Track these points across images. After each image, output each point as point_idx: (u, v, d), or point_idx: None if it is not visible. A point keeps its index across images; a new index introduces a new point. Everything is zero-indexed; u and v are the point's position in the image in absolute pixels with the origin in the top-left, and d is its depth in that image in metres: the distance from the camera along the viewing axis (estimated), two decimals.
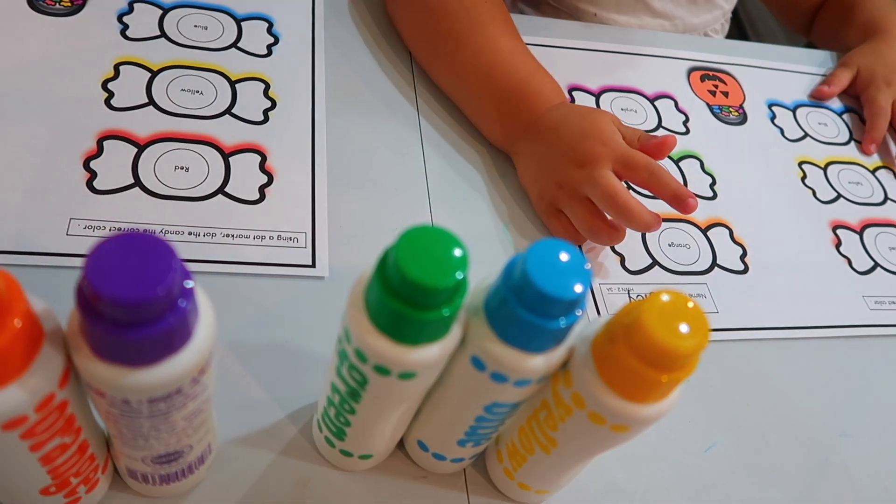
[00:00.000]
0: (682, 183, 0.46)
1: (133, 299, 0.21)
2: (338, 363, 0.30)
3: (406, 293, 0.25)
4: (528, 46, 0.61)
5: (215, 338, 0.25)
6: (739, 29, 1.80)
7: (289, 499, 0.36)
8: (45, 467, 0.26)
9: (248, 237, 0.44)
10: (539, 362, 0.28)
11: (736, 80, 0.68)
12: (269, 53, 0.54)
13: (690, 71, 0.67)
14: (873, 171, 0.65)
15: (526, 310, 0.26)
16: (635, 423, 0.28)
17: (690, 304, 0.26)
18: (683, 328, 0.26)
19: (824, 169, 0.63)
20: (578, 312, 0.27)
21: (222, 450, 0.36)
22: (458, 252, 0.25)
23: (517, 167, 0.53)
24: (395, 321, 0.26)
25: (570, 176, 0.48)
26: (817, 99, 0.69)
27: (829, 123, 0.68)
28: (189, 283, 0.23)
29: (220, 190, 0.45)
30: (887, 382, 0.50)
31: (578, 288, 0.25)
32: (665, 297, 0.26)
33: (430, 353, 0.27)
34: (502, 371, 0.28)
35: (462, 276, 0.25)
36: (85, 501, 0.31)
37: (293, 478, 0.37)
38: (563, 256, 0.26)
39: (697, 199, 0.47)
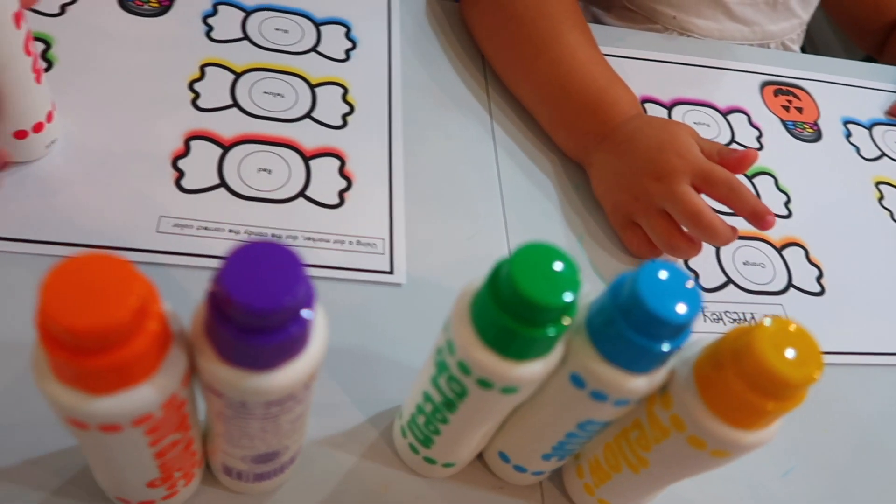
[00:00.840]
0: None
1: (264, 307, 0.21)
2: (434, 373, 0.30)
3: (518, 309, 0.25)
4: None
5: (327, 346, 0.26)
6: (811, 41, 1.76)
7: (369, 501, 0.36)
8: (157, 461, 0.27)
9: (328, 241, 0.44)
10: (641, 383, 0.28)
11: (810, 96, 0.66)
12: (347, 58, 0.55)
13: (764, 85, 0.66)
14: None
15: (634, 331, 0.26)
16: (737, 449, 0.28)
17: (803, 333, 0.26)
18: (796, 356, 0.25)
19: None
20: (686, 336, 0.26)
21: (306, 451, 0.37)
22: (571, 271, 0.25)
23: (591, 178, 0.52)
24: (505, 336, 0.26)
25: (647, 189, 0.48)
26: (891, 116, 0.67)
27: None
28: (312, 293, 0.23)
29: (301, 193, 0.46)
30: None
31: (689, 311, 0.25)
32: (777, 324, 0.26)
33: (534, 370, 0.27)
34: (603, 390, 0.28)
35: (574, 297, 0.25)
36: (181, 494, 0.32)
37: (373, 481, 0.37)
38: (674, 279, 0.26)
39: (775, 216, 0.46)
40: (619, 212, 0.50)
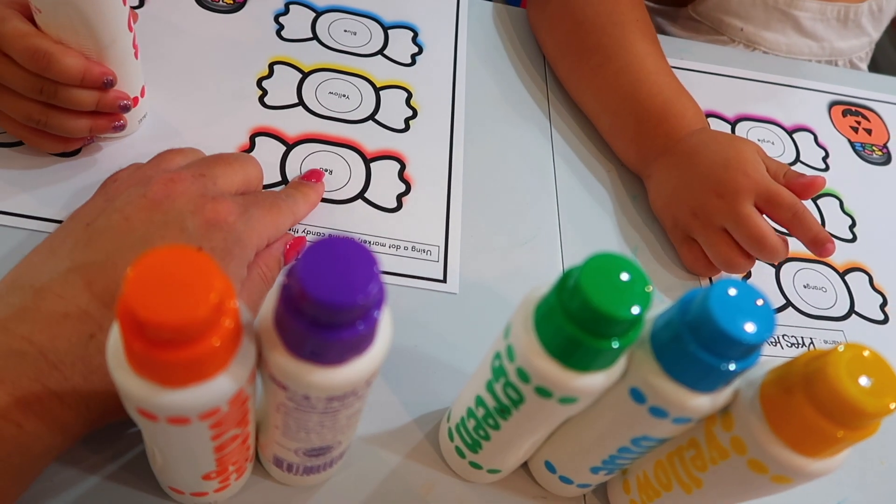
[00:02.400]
0: (822, 225, 0.44)
1: (339, 303, 0.21)
2: (491, 378, 0.30)
3: (585, 319, 0.25)
4: None
5: (391, 345, 0.26)
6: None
7: (411, 501, 0.37)
8: (216, 455, 0.27)
9: (384, 245, 0.45)
10: (704, 402, 0.27)
11: (880, 118, 0.64)
12: (413, 63, 0.55)
13: (832, 105, 0.64)
14: None
15: (702, 348, 0.25)
16: (800, 476, 0.27)
17: (880, 361, 0.25)
18: (872, 385, 0.24)
19: None
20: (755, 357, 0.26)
21: (353, 447, 0.37)
22: (642, 285, 0.25)
23: (649, 191, 0.52)
24: (569, 346, 0.26)
25: (708, 205, 0.47)
26: None
27: None
28: (383, 294, 0.23)
29: (361, 195, 0.47)
30: None
31: (762, 331, 0.25)
32: (853, 350, 0.25)
33: (596, 381, 0.27)
34: (664, 406, 0.28)
35: (642, 311, 0.25)
36: (232, 487, 0.32)
37: (416, 481, 0.37)
38: (747, 297, 0.25)
39: (836, 243, 0.45)
40: (678, 227, 0.49)
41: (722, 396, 0.27)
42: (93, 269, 0.30)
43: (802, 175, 0.46)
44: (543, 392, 0.27)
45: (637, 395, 0.28)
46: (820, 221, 0.55)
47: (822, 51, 0.70)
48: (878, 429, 0.26)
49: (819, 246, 0.45)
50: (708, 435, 0.30)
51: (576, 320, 0.25)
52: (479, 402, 0.32)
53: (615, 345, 0.25)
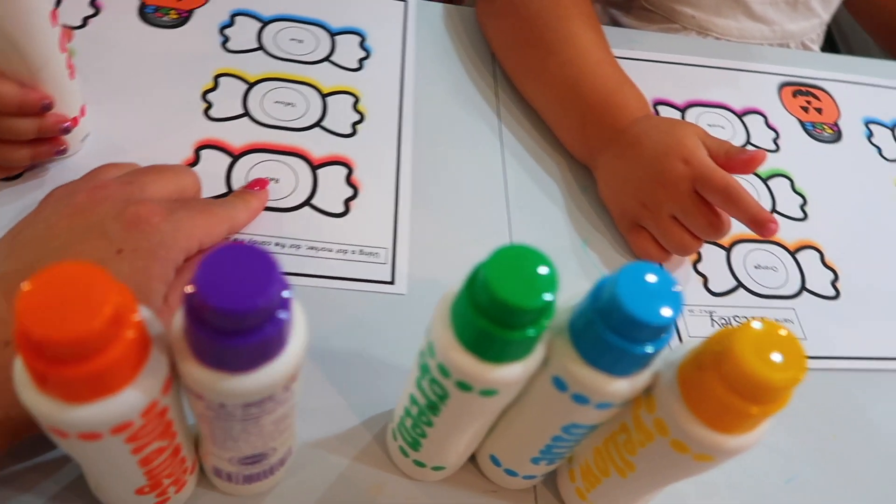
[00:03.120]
0: (761, 205, 0.44)
1: (238, 309, 0.22)
2: (419, 376, 0.30)
3: (494, 312, 0.25)
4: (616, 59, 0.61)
5: (307, 347, 0.26)
6: (830, 42, 1.72)
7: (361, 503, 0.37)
8: (142, 469, 0.27)
9: (331, 250, 0.45)
10: (623, 386, 0.28)
11: (830, 97, 0.65)
12: (360, 67, 0.56)
13: (782, 86, 0.65)
14: None
15: (614, 333, 0.26)
16: (720, 453, 0.28)
17: (786, 334, 0.25)
18: (778, 359, 0.25)
19: None
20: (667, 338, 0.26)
21: (300, 452, 0.37)
22: (548, 273, 0.25)
23: (598, 181, 0.52)
24: (481, 339, 0.26)
25: (654, 196, 0.47)
26: None
27: None
28: (288, 295, 0.24)
29: (307, 202, 0.47)
30: None
31: (669, 313, 0.25)
32: (759, 326, 0.25)
33: (513, 372, 0.27)
34: (585, 393, 0.28)
35: (551, 298, 0.25)
36: (174, 501, 0.33)
37: (366, 483, 0.37)
38: (654, 280, 0.26)
39: (779, 222, 0.45)
40: (627, 217, 0.50)
41: (641, 379, 0.28)
42: (13, 277, 0.30)
43: (743, 150, 0.46)
44: (464, 386, 0.28)
45: (559, 384, 0.28)
46: (772, 202, 0.56)
47: (773, 34, 0.71)
48: (787, 401, 0.26)
49: (760, 226, 0.45)
50: (635, 419, 0.30)
51: (485, 313, 0.25)
52: (413, 400, 0.32)
53: (527, 335, 0.25)
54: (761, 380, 0.25)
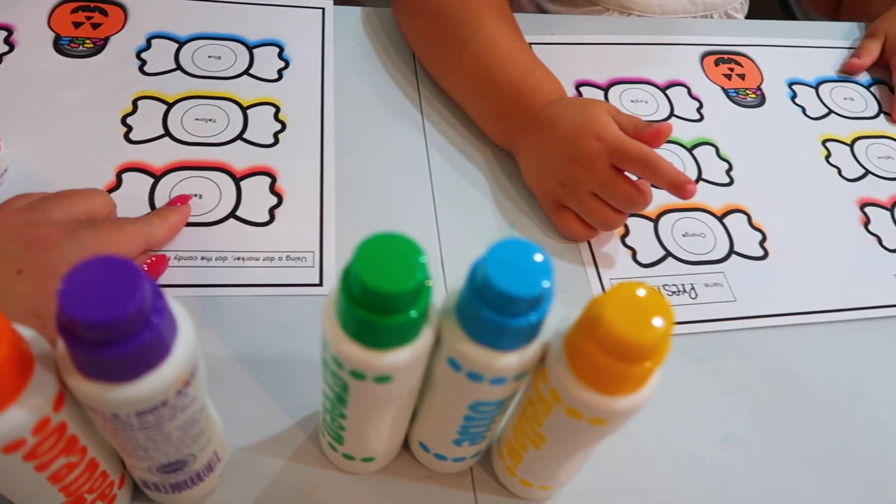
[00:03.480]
0: (679, 169, 0.46)
1: (104, 320, 0.22)
2: (323, 370, 0.31)
3: (368, 300, 0.26)
4: (536, 45, 0.62)
5: (196, 350, 0.27)
6: (785, 8, 1.74)
7: (299, 502, 0.38)
8: (54, 486, 0.28)
9: (258, 259, 0.46)
10: (511, 360, 0.28)
11: (753, 62, 0.66)
12: (280, 77, 0.56)
13: (704, 56, 0.66)
14: None
15: (490, 309, 0.27)
16: (611, 415, 0.28)
17: (646, 293, 0.26)
18: (645, 318, 0.26)
19: (850, 145, 0.61)
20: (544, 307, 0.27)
21: (235, 458, 0.38)
22: (414, 255, 0.26)
23: (520, 166, 0.53)
24: (362, 327, 0.27)
25: (572, 175, 0.48)
26: (847, 73, 0.67)
27: (856, 98, 0.65)
28: (161, 300, 0.24)
29: (232, 214, 0.48)
30: None
31: (538, 285, 0.26)
32: (625, 288, 0.26)
33: (402, 357, 0.28)
34: (476, 370, 0.29)
35: (421, 278, 0.26)
36: None
37: (303, 482, 0.38)
38: (524, 255, 0.27)
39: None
40: (549, 198, 0.51)
41: (529, 352, 0.29)
42: None
43: (649, 124, 0.48)
44: (357, 375, 0.28)
45: (454, 364, 0.29)
46: (697, 170, 0.57)
47: (695, 7, 0.72)
48: (665, 355, 0.27)
49: (679, 188, 0.46)
50: (536, 391, 0.31)
51: (360, 302, 0.26)
52: (325, 395, 0.33)
53: (403, 319, 0.26)
54: (630, 340, 0.25)
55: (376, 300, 0.25)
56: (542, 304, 0.27)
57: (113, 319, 0.23)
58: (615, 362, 0.26)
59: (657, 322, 0.26)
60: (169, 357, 0.26)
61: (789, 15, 1.73)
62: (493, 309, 0.27)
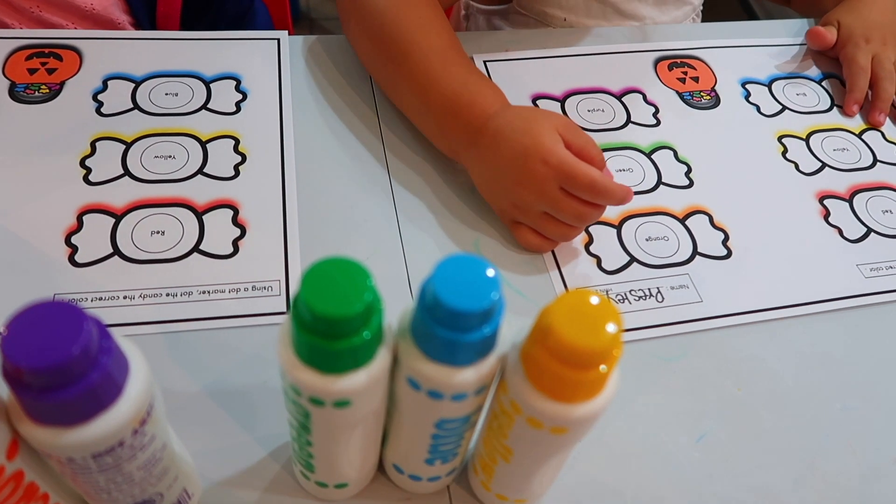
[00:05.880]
0: (623, 185, 0.47)
1: (48, 364, 0.22)
2: (285, 399, 0.31)
3: (318, 326, 0.26)
4: (492, 62, 0.62)
5: (151, 387, 0.27)
6: (748, 11, 1.77)
7: None
8: None
9: (223, 291, 0.46)
10: (468, 375, 0.28)
11: (706, 64, 0.67)
12: (238, 110, 0.57)
13: (657, 61, 0.67)
14: (859, 135, 0.64)
15: (442, 327, 0.27)
16: (571, 423, 0.29)
17: (596, 300, 0.26)
18: (593, 324, 0.26)
19: (806, 140, 0.62)
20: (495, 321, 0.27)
21: (209, 493, 0.38)
22: (361, 278, 0.26)
23: (473, 180, 0.53)
24: (315, 353, 0.27)
25: (522, 197, 0.48)
26: (812, 41, 0.68)
27: (808, 93, 0.66)
28: (108, 340, 0.24)
29: (195, 248, 0.48)
30: (888, 350, 0.49)
31: (485, 298, 0.26)
32: (573, 296, 0.27)
33: (358, 380, 0.28)
34: (436, 388, 0.29)
35: (368, 300, 0.26)
36: None
37: None
38: (471, 270, 0.27)
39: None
40: (505, 215, 0.51)
41: (486, 366, 0.29)
42: None
43: (595, 145, 0.49)
44: (316, 401, 0.28)
45: (413, 384, 0.29)
46: (656, 174, 0.57)
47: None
48: (617, 359, 0.27)
49: (624, 202, 0.48)
50: (499, 404, 0.31)
51: (311, 329, 0.26)
52: (290, 424, 0.33)
53: (354, 342, 0.26)
54: (579, 346, 0.26)
55: (326, 325, 0.26)
56: (494, 317, 0.27)
57: (58, 363, 0.23)
58: (567, 369, 0.27)
59: (606, 327, 0.26)
60: (121, 397, 0.26)
61: (749, 12, 1.77)
62: (445, 326, 0.27)
